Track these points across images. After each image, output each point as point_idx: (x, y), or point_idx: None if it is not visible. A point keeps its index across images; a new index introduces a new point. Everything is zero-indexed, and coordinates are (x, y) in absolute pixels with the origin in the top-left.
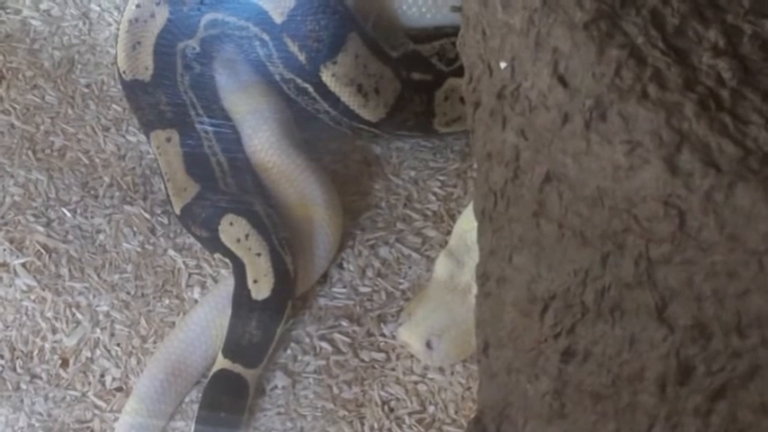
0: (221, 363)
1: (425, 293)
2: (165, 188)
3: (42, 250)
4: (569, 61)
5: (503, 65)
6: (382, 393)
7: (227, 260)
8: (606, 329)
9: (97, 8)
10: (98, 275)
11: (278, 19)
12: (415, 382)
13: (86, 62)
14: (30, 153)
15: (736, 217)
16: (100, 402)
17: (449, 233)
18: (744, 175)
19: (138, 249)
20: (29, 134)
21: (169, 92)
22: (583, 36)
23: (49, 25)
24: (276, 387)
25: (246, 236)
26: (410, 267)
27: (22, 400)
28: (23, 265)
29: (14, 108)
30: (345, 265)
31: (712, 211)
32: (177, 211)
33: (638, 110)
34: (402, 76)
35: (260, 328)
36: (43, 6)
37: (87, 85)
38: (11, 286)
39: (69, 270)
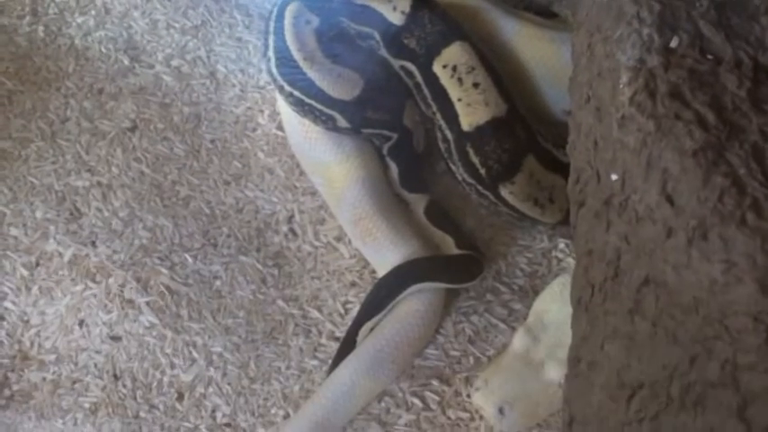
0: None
1: (501, 363)
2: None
3: (165, 291)
4: (677, 183)
5: (614, 177)
6: None
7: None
8: (688, 421)
9: (224, 69)
10: (213, 318)
11: (465, 126)
12: None
13: (212, 119)
14: (157, 200)
15: None
16: None
17: None
18: None
19: (251, 297)
20: (157, 182)
21: None
22: (691, 162)
23: (179, 81)
24: None
25: None
26: (496, 336)
27: (140, 427)
28: (148, 303)
29: (146, 157)
30: (439, 329)
31: None
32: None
33: (737, 234)
34: None
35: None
36: (174, 63)
37: (212, 141)
38: (135, 321)
39: (188, 311)
